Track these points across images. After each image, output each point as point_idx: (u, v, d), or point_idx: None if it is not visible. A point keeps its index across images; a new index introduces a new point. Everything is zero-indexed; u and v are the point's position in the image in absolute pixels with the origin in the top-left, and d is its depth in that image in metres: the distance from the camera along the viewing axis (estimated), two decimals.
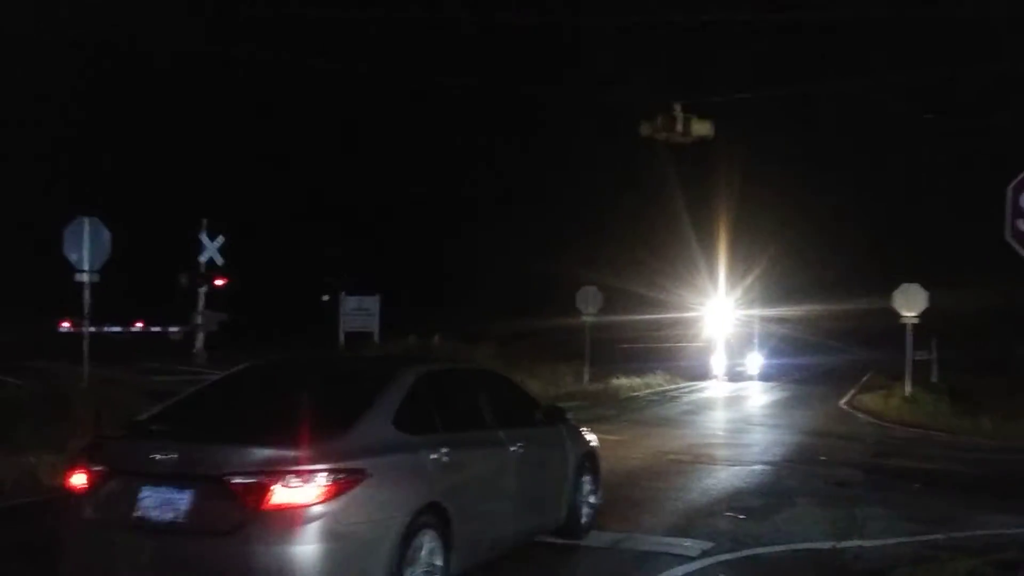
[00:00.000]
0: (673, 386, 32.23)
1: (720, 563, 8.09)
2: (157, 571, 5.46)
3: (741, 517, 9.98)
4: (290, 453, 5.43)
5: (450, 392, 7.13)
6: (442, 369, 7.60)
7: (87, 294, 14.87)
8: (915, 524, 9.79)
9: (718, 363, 36.56)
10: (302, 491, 5.36)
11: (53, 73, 43.02)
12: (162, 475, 5.57)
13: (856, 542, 9.02)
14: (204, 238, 36.61)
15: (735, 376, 35.83)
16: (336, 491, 5.44)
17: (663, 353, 36.89)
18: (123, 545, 5.57)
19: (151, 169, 47.04)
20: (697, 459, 14.33)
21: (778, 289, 44.94)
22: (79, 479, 5.86)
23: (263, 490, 5.34)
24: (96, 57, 44.01)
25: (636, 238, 46.35)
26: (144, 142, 47.26)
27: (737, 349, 38.33)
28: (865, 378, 34.71)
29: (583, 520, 8.56)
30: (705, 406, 25.73)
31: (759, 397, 29.31)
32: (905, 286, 25.56)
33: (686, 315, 37.93)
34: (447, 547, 6.18)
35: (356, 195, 49.80)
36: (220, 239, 36.81)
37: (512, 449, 7.35)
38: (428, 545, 6.04)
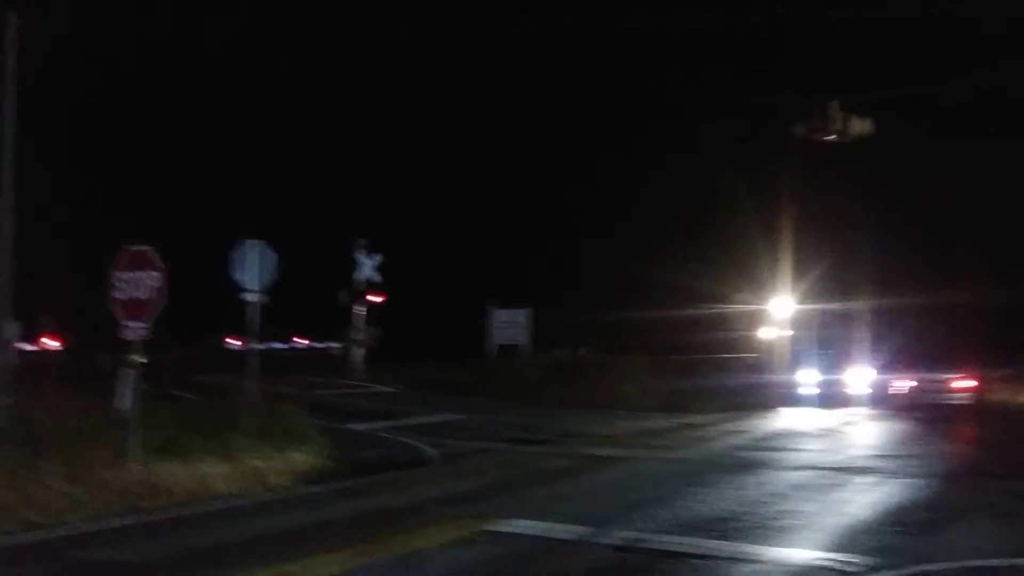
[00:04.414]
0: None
1: None
2: (912, 404, 26.37)
3: (909, 532, 9.57)
4: (948, 372, 28.16)
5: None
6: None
7: (255, 314, 15.44)
8: None
9: (802, 379, 28.12)
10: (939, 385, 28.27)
11: (222, 103, 45.66)
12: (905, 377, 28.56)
13: None
14: (361, 257, 38.02)
15: (825, 400, 27.17)
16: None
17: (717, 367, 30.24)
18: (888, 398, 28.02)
19: (311, 190, 49.03)
20: (858, 473, 13.81)
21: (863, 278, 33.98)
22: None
23: (949, 383, 27.96)
24: (261, 82, 46.35)
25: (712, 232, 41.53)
26: (306, 165, 49.37)
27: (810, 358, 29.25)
28: None
29: None
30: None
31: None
32: None
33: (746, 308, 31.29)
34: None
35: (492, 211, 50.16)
36: (377, 257, 38.16)
37: None
38: None
